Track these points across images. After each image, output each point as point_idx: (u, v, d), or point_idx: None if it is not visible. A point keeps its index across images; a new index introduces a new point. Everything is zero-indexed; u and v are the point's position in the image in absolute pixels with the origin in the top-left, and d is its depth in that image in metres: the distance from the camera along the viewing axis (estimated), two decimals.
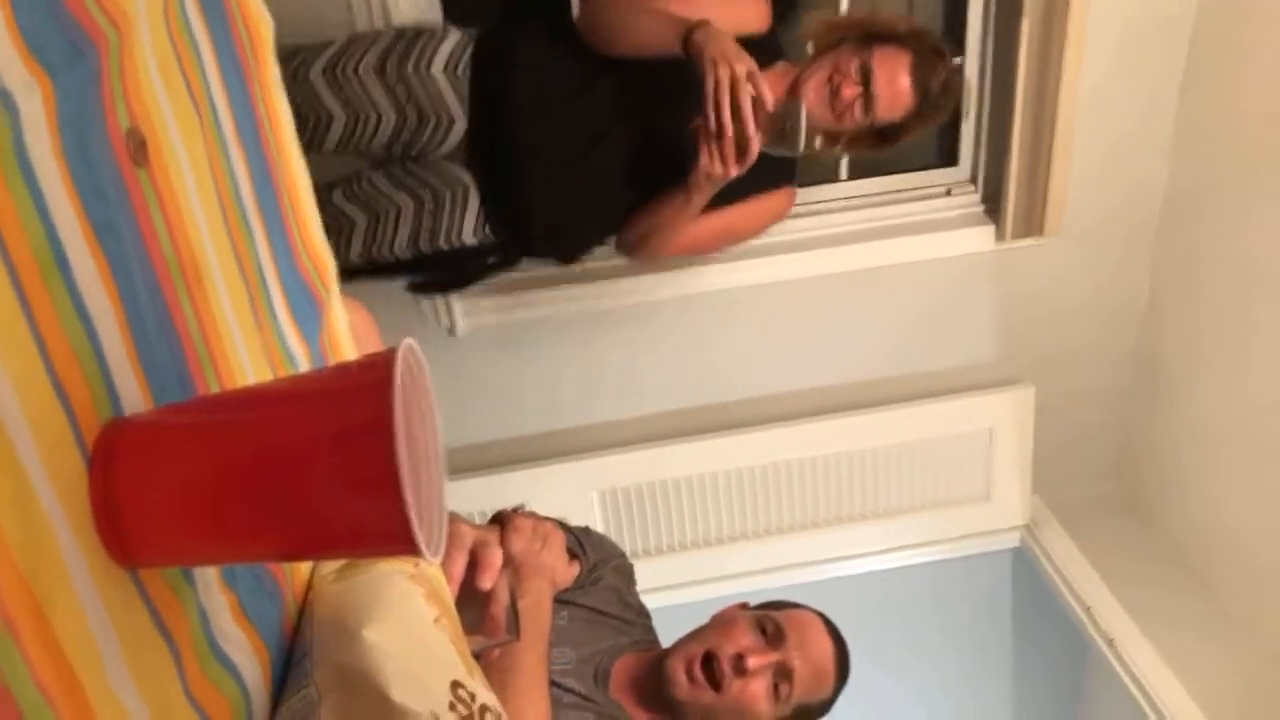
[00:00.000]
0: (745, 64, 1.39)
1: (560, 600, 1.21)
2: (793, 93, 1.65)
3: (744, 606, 1.37)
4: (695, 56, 1.42)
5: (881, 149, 1.78)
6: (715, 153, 1.45)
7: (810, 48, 1.73)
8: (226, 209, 0.66)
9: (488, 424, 2.54)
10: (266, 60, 0.76)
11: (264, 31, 0.76)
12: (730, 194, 1.65)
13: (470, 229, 1.73)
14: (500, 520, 1.16)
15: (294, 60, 1.69)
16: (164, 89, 0.58)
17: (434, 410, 0.54)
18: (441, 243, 1.73)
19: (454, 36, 1.70)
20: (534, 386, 2.53)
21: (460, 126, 1.69)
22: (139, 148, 0.55)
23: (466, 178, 1.72)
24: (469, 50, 1.68)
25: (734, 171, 1.48)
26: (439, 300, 2.37)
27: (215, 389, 0.59)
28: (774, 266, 2.46)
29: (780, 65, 1.71)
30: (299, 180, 0.80)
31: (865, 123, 1.66)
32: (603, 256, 2.47)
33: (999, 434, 2.66)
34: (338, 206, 1.76)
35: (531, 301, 2.42)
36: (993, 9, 2.36)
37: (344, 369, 0.50)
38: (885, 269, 2.52)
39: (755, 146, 1.43)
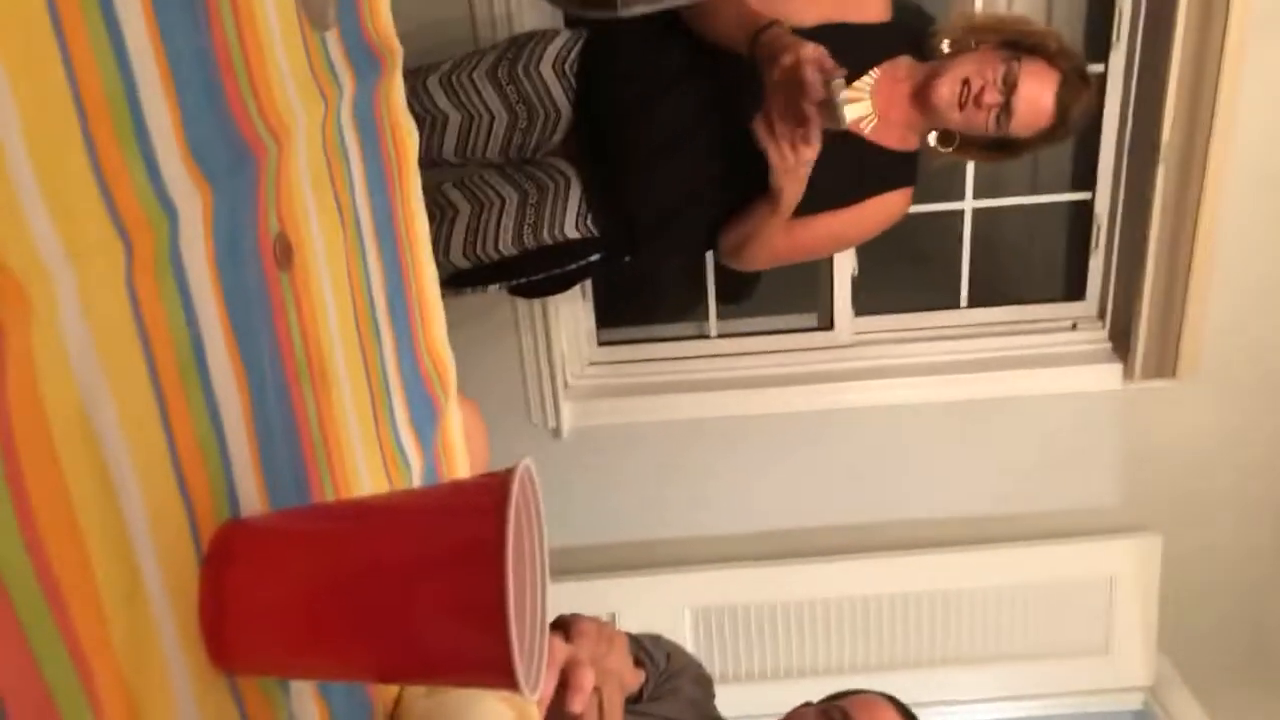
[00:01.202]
0: (809, 48, 1.35)
1: (635, 712, 1.15)
2: (923, 92, 1.60)
3: (807, 704, 1.29)
4: (760, 59, 1.40)
5: (994, 159, 1.71)
6: (777, 145, 1.42)
7: (945, 45, 1.64)
8: (359, 313, 0.67)
9: (584, 527, 2.52)
10: (409, 170, 0.78)
11: (409, 142, 0.79)
12: (842, 196, 1.62)
13: (572, 221, 1.72)
14: (562, 625, 1.13)
15: (416, 75, 1.74)
16: (313, 196, 0.60)
17: (543, 533, 0.52)
18: (545, 235, 1.73)
19: (563, 35, 1.73)
20: (636, 492, 2.50)
21: (567, 118, 1.71)
22: (285, 252, 0.56)
23: (569, 169, 1.73)
24: (577, 47, 1.70)
25: (805, 156, 1.42)
26: (547, 401, 2.40)
27: (330, 494, 0.59)
28: (892, 390, 2.41)
29: (904, 60, 1.64)
30: (427, 285, 0.82)
31: (995, 133, 1.59)
32: (712, 367, 2.47)
33: (1121, 583, 2.50)
34: (445, 196, 1.77)
35: (642, 408, 2.42)
36: (1126, 146, 2.32)
37: (459, 488, 0.49)
38: (1006, 401, 2.44)
39: (815, 125, 1.38)
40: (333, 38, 0.66)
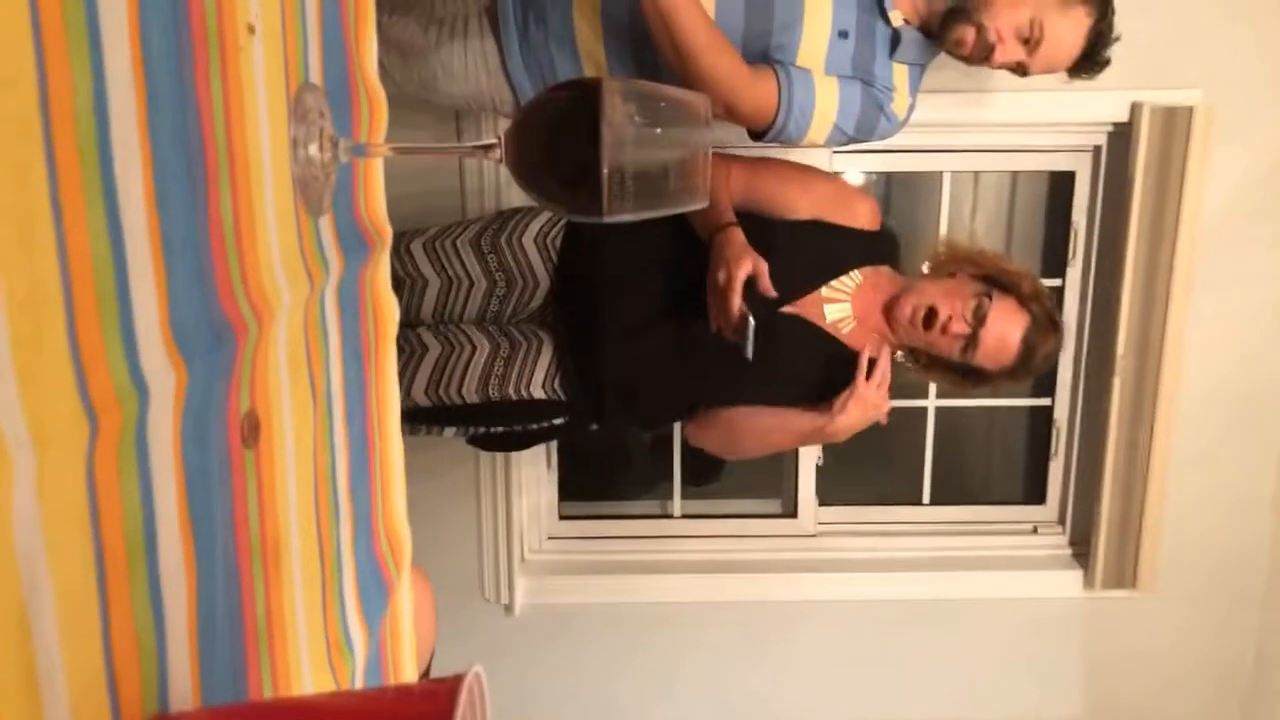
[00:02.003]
0: (745, 267, 1.47)
1: None
2: (889, 307, 1.65)
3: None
4: (709, 258, 1.52)
5: (958, 385, 1.73)
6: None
7: (925, 266, 1.72)
8: (320, 491, 0.66)
9: (535, 713, 2.41)
10: (386, 346, 0.79)
11: (389, 319, 0.80)
12: (810, 394, 1.68)
13: (540, 381, 1.72)
14: None
15: (400, 238, 1.77)
16: (288, 373, 0.60)
17: None
18: (510, 390, 1.71)
19: (548, 213, 1.77)
20: (590, 679, 2.41)
21: (545, 289, 1.75)
22: (252, 429, 0.56)
23: (543, 333, 1.75)
24: (561, 223, 1.76)
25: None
26: (501, 576, 2.34)
27: (268, 687, 0.56)
28: (854, 584, 2.38)
29: (885, 270, 1.70)
30: (392, 460, 0.81)
31: (959, 358, 1.62)
32: (674, 549, 2.43)
33: None
34: (417, 336, 1.76)
35: (600, 587, 2.36)
36: (1083, 357, 2.40)
37: (404, 695, 0.47)
38: (966, 602, 2.41)
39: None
40: (325, 221, 0.68)
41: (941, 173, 2.38)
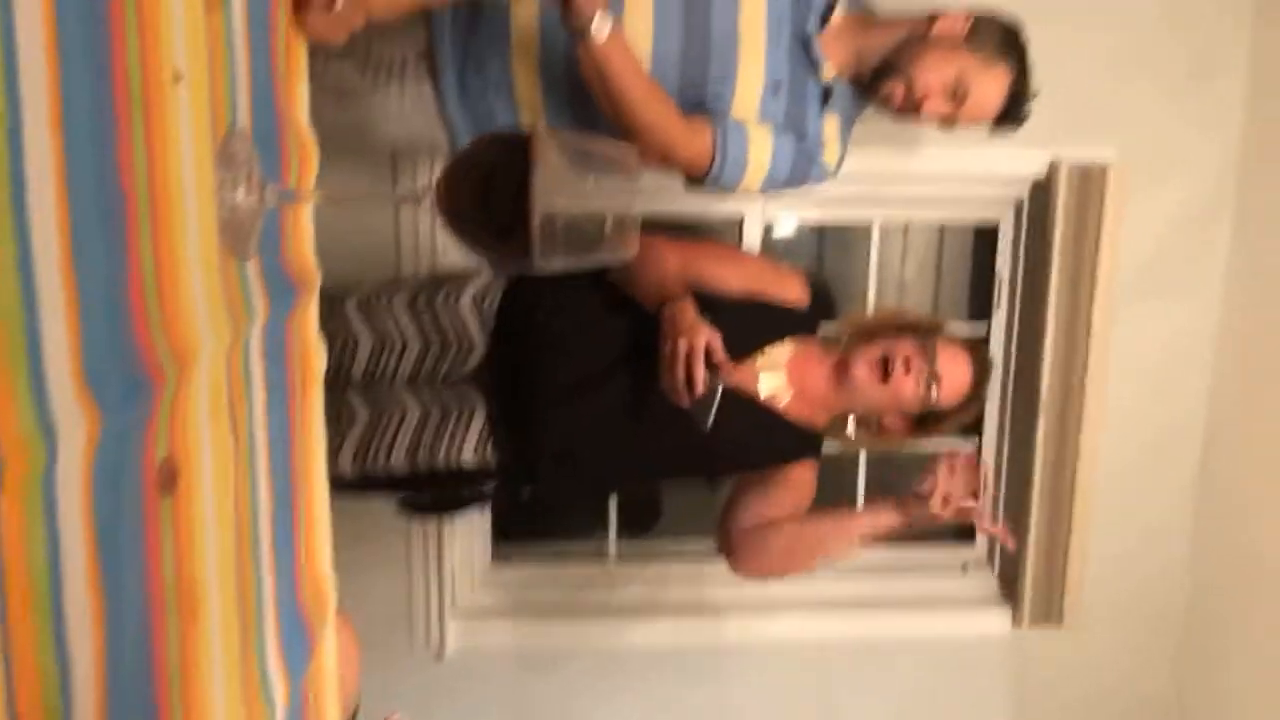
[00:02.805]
0: (704, 336, 1.46)
1: None
2: (841, 370, 1.66)
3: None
4: (660, 330, 1.51)
5: (913, 435, 1.75)
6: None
7: (847, 330, 1.75)
8: (241, 540, 0.65)
9: None
10: (312, 395, 0.78)
11: (316, 367, 0.79)
12: (749, 462, 1.70)
13: (471, 448, 1.69)
14: None
15: (333, 298, 1.73)
16: (209, 422, 0.59)
17: None
18: (440, 460, 1.69)
19: (485, 275, 1.78)
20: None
21: (479, 353, 1.73)
22: (169, 478, 0.55)
23: (476, 397, 1.71)
24: (499, 286, 1.74)
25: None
26: (432, 619, 2.30)
27: None
28: (789, 624, 2.39)
29: (815, 341, 1.74)
30: (318, 511, 0.80)
31: (923, 401, 1.64)
32: (611, 591, 2.42)
33: None
34: (346, 400, 1.73)
35: (535, 632, 2.34)
36: (1009, 399, 2.46)
37: None
38: (896, 642, 2.43)
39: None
40: (252, 265, 0.68)
41: (870, 223, 2.44)
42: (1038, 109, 1.72)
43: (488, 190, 0.65)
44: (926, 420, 1.70)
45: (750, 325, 1.65)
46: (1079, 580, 2.37)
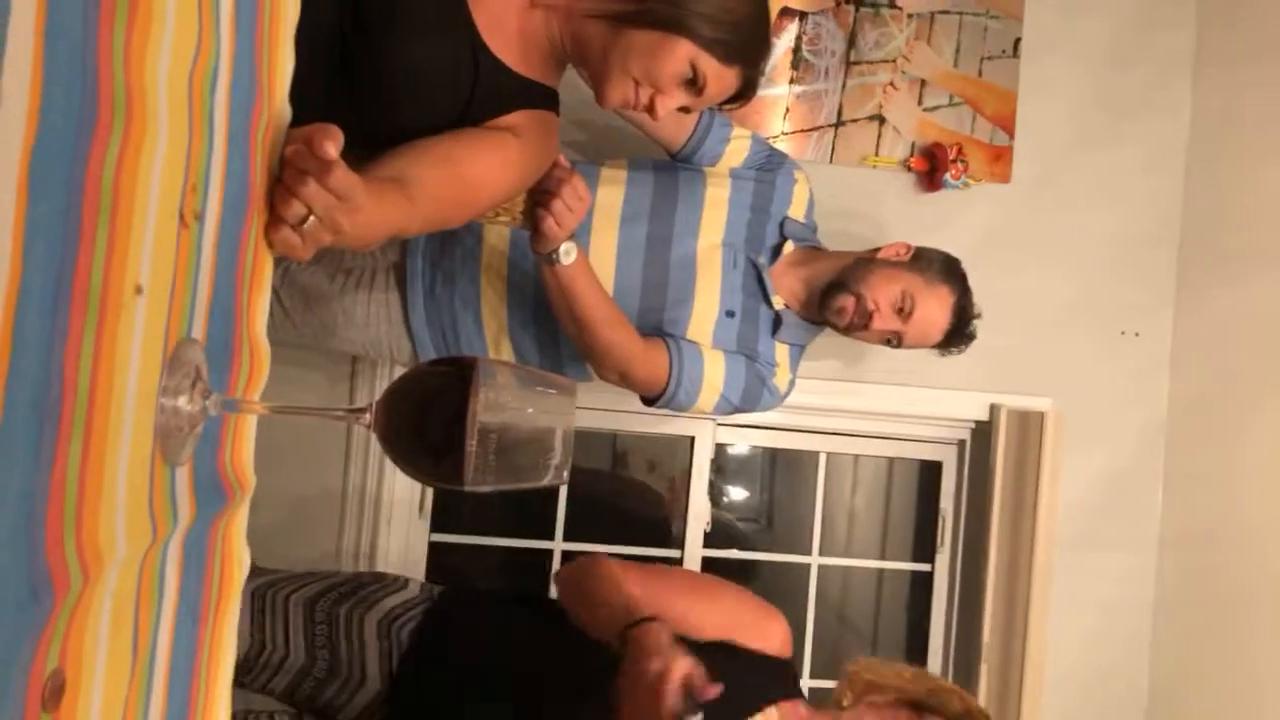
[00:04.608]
0: (683, 662, 1.15)
1: None
2: None
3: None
4: (626, 653, 1.21)
5: None
6: None
7: (845, 694, 1.43)
8: None
9: None
10: (228, 604, 0.76)
11: (236, 575, 0.78)
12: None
13: None
14: None
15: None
16: (109, 633, 0.57)
17: None
18: None
19: (410, 590, 1.60)
20: None
21: (370, 691, 1.51)
22: (55, 693, 0.52)
23: None
24: (420, 609, 1.55)
25: None
26: None
27: None
28: None
29: (803, 705, 1.42)
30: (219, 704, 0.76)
31: None
32: None
33: None
34: None
35: None
36: (952, 647, 2.43)
37: None
38: None
39: None
40: (183, 471, 0.67)
41: (817, 454, 2.49)
42: (979, 356, 1.81)
43: (426, 412, 0.67)
44: None
45: (726, 682, 1.21)
46: None
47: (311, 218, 0.78)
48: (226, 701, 0.77)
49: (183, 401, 0.64)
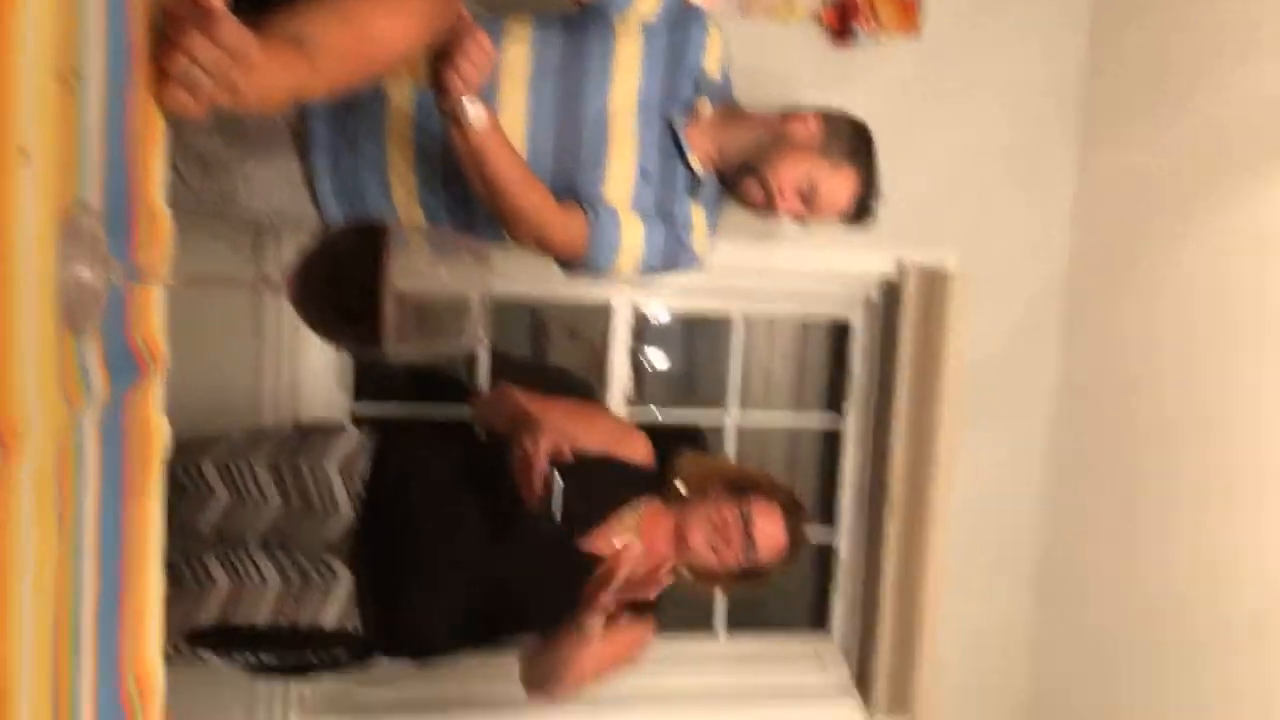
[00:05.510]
0: (548, 437, 1.59)
1: None
2: (679, 536, 1.80)
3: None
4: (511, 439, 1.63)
5: (749, 588, 1.89)
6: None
7: (681, 486, 1.89)
8: (59, 629, 0.62)
9: None
10: (151, 479, 0.76)
11: (156, 449, 0.77)
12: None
13: (334, 615, 1.70)
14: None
15: (189, 451, 1.72)
16: (33, 506, 0.57)
17: None
18: (300, 623, 1.68)
19: (353, 435, 1.80)
20: None
21: (343, 518, 1.73)
22: None
23: (340, 568, 1.71)
24: (368, 448, 1.77)
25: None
26: (275, 697, 2.18)
27: None
28: (633, 718, 2.37)
29: (660, 501, 1.86)
30: (149, 601, 0.77)
31: (745, 563, 1.80)
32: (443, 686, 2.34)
33: None
34: (204, 565, 1.69)
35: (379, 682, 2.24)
36: (864, 494, 2.56)
37: None
38: None
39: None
40: (92, 343, 0.66)
41: (731, 315, 2.53)
42: (886, 212, 1.84)
43: (340, 278, 0.66)
44: (753, 574, 1.86)
45: (607, 486, 1.78)
46: (928, 671, 2.44)
47: (202, 74, 0.74)
48: (158, 573, 0.77)
49: (84, 271, 0.62)
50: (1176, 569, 2.13)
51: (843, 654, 2.60)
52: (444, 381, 2.46)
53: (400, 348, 0.67)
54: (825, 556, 2.63)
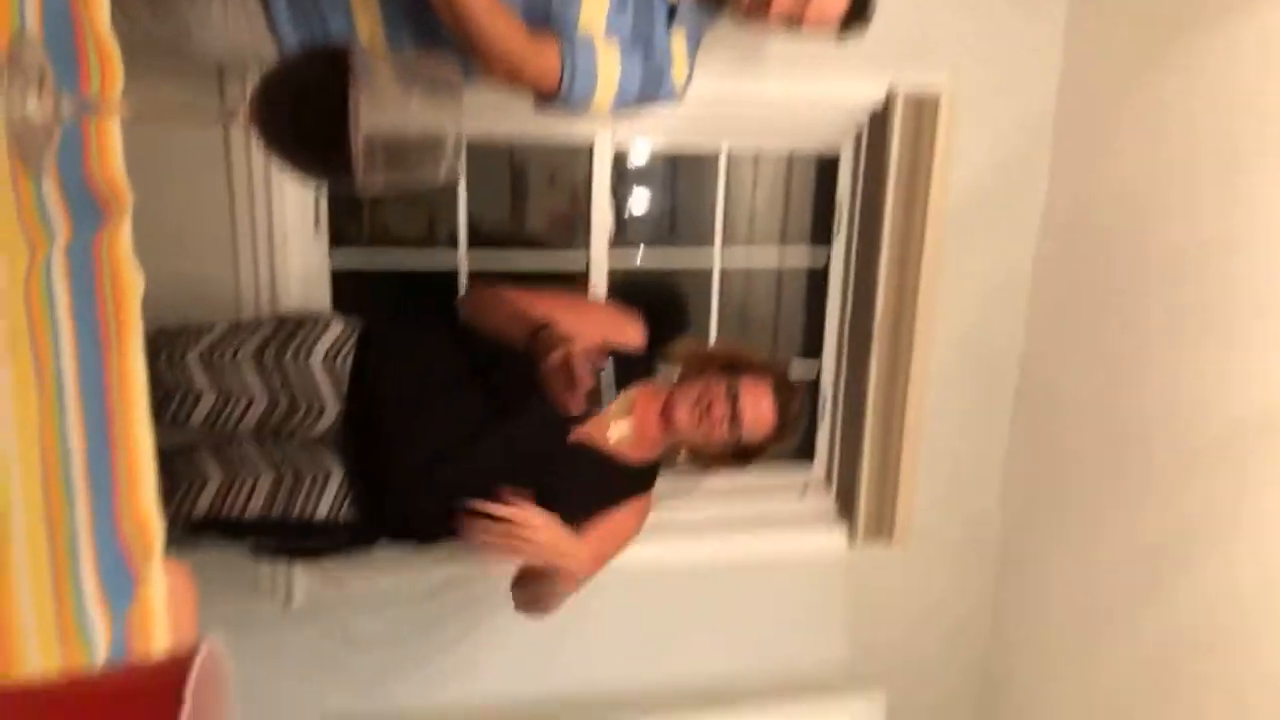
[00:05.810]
0: (579, 343, 1.58)
1: None
2: (665, 413, 1.83)
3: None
4: (537, 352, 1.60)
5: (740, 467, 1.93)
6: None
7: (676, 372, 1.92)
8: (49, 478, 0.62)
9: (316, 700, 2.34)
10: (129, 326, 0.74)
11: (131, 296, 0.75)
12: (593, 508, 1.80)
13: (326, 507, 1.74)
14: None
15: (174, 343, 1.73)
16: (8, 354, 0.56)
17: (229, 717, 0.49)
18: (293, 516, 1.73)
19: (336, 328, 1.80)
20: (371, 666, 2.37)
21: (331, 414, 1.76)
22: None
23: (331, 461, 1.75)
24: (351, 342, 1.77)
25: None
26: (279, 568, 2.25)
27: None
28: (629, 551, 2.45)
29: (652, 383, 1.89)
30: (141, 445, 0.77)
31: (731, 439, 1.82)
32: None
33: None
34: (196, 459, 1.73)
35: (379, 570, 2.31)
36: (847, 324, 2.57)
37: (133, 672, 0.45)
38: (739, 563, 2.54)
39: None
40: (49, 181, 0.63)
41: (718, 151, 2.47)
42: (875, 33, 1.76)
43: (305, 109, 0.63)
44: (744, 452, 1.88)
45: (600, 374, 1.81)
46: (909, 500, 2.52)
47: None
48: (145, 414, 0.77)
49: (31, 105, 0.59)
50: (1147, 395, 2.17)
51: (826, 483, 2.68)
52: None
53: (371, 179, 0.65)
54: (810, 390, 2.67)
